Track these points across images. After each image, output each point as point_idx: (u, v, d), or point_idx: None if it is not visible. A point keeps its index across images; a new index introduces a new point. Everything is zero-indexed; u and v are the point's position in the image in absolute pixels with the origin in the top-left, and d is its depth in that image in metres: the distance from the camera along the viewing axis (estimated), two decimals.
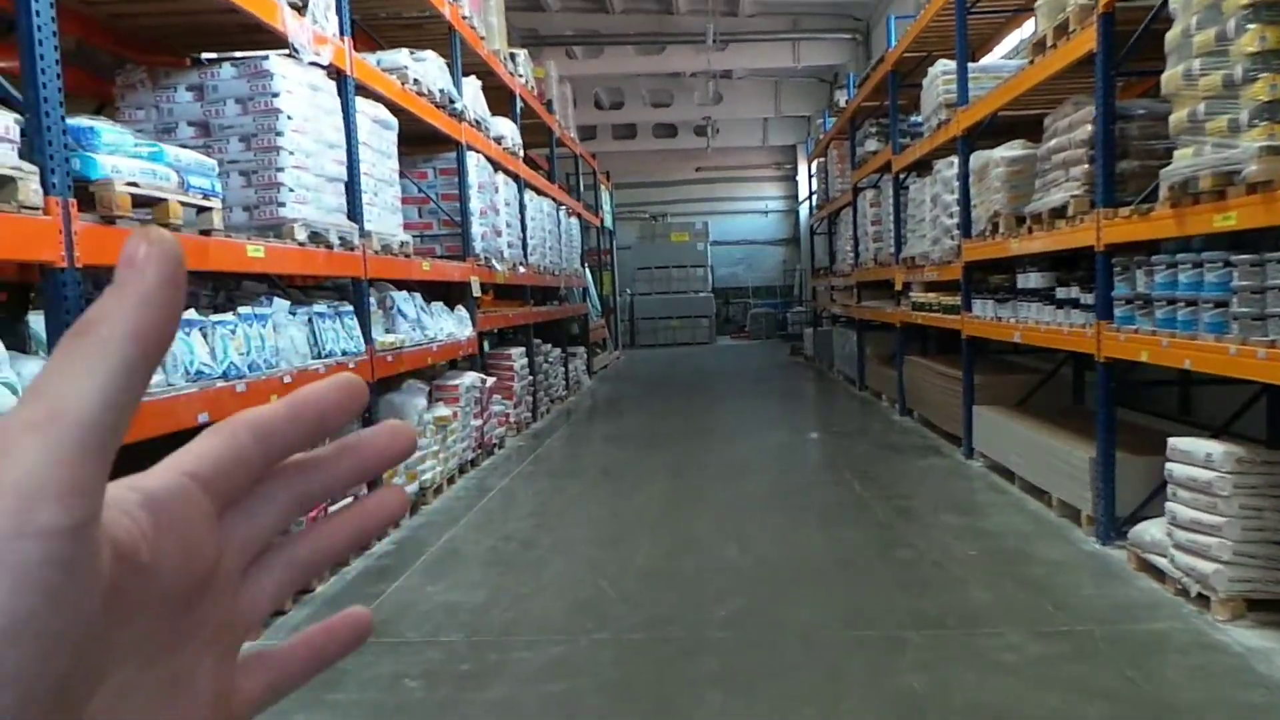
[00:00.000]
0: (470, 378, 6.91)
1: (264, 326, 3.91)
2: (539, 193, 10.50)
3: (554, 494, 6.19)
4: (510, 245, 8.64)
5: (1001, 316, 5.88)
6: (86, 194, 2.78)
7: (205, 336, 3.48)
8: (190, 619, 0.30)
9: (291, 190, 4.22)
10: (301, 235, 4.21)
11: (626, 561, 4.53)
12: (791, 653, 3.37)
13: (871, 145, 10.01)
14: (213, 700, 0.31)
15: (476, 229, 7.45)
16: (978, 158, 6.11)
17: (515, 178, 9.14)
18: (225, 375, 3.50)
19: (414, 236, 7.41)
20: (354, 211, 4.93)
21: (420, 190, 7.35)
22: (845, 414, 9.74)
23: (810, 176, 15.79)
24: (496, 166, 8.41)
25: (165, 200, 3.07)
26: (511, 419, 8.56)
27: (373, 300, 5.39)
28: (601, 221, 16.94)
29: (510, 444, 8.21)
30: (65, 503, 0.24)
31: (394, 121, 5.59)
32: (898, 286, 8.86)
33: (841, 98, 11.51)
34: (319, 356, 4.49)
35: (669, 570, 4.38)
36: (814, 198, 15.52)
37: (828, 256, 14.13)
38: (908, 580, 4.11)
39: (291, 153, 4.22)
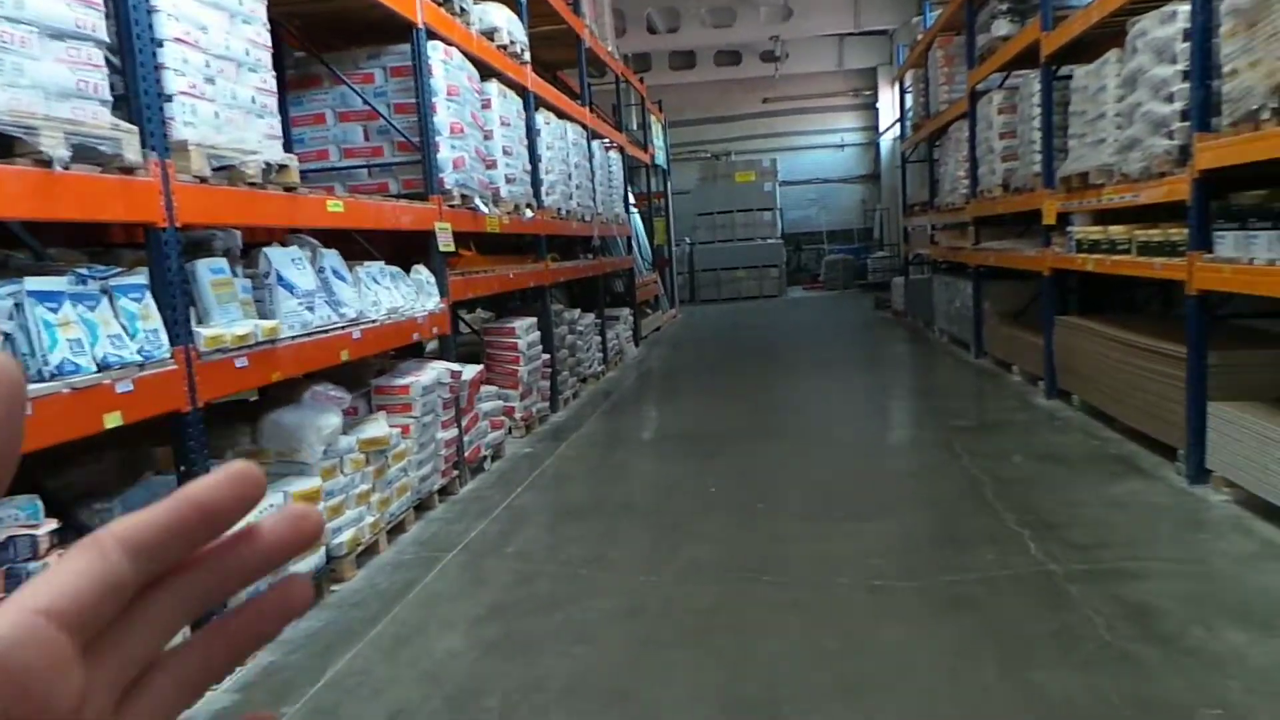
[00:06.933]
0: (432, 372, 4.72)
1: None
2: (562, 116, 8.18)
3: (548, 557, 4.00)
4: (511, 180, 6.38)
5: None
6: None
7: None
8: None
9: None
10: None
11: None
12: None
13: (1002, 29, 7.37)
14: None
15: (447, 153, 5.20)
16: None
17: (520, 90, 6.83)
18: None
19: (362, 165, 5.26)
20: (139, 104, 2.73)
21: (365, 102, 5.13)
22: (968, 396, 7.29)
23: (903, 93, 13.05)
24: (488, 73, 6.13)
25: None
26: (517, 414, 6.39)
27: (218, 266, 3.22)
28: (652, 158, 14.51)
29: (512, 451, 6.04)
30: None
31: None
32: (1049, 219, 6.33)
33: None
34: (39, 378, 2.34)
35: None
36: (907, 119, 12.81)
37: (926, 189, 11.49)
38: None
39: None
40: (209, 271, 3.15)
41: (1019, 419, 6.10)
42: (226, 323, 3.14)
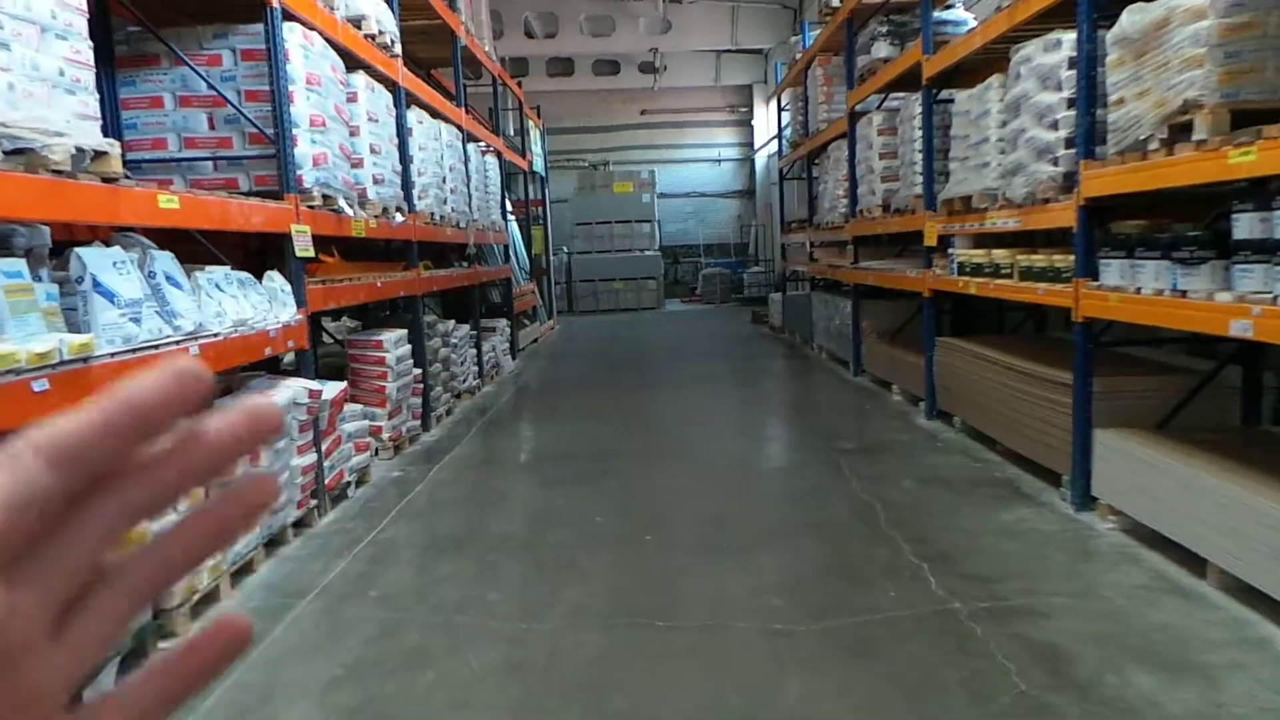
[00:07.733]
0: (287, 391, 4.21)
1: None
2: (436, 116, 7.71)
3: (418, 602, 3.57)
4: (380, 181, 5.89)
5: (1189, 290, 3.39)
6: None
7: None
8: None
9: None
10: None
11: None
12: None
13: (881, 51, 7.42)
14: None
15: (306, 148, 4.69)
16: (1139, 15, 3.56)
17: (391, 85, 6.35)
18: None
19: (207, 158, 4.69)
20: None
21: (211, 86, 4.56)
22: (851, 415, 7.27)
23: (780, 110, 13.17)
24: (354, 64, 5.64)
25: None
26: (384, 434, 5.89)
27: (13, 269, 2.66)
28: (530, 164, 14.11)
29: (379, 475, 5.55)
30: None
31: None
32: (930, 241, 6.37)
33: None
34: None
35: None
36: (784, 135, 12.93)
37: (805, 206, 11.59)
38: None
39: None
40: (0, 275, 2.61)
41: (903, 440, 6.08)
42: (22, 337, 2.60)
